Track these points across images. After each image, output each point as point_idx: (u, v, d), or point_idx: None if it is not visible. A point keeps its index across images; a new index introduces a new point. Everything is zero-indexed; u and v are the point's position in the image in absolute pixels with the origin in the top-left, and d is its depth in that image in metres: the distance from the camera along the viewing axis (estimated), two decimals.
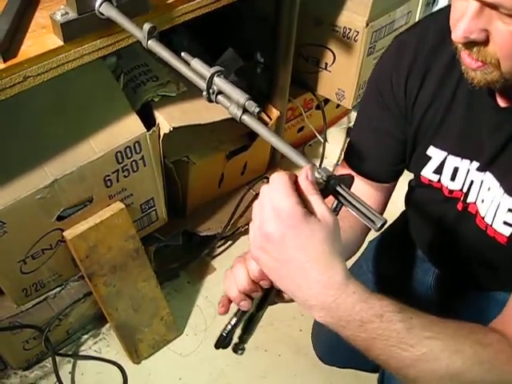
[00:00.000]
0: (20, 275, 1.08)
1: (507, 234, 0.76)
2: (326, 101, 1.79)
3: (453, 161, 0.80)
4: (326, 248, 0.55)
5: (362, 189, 0.90)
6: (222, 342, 0.69)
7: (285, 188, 0.55)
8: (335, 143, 1.94)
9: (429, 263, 1.04)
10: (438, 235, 0.93)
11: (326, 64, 1.60)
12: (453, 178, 0.81)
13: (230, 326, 0.68)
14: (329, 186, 0.57)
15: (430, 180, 0.84)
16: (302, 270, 0.55)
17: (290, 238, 0.54)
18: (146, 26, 0.72)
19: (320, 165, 1.80)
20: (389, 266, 1.10)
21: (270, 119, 1.53)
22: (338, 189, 0.57)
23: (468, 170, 0.79)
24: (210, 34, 1.59)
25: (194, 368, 1.34)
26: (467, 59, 0.60)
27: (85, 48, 0.85)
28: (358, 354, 1.12)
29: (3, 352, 1.24)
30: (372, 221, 0.56)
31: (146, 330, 1.31)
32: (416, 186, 0.92)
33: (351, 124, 2.02)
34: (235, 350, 0.68)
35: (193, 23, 1.01)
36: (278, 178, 0.56)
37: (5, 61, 0.77)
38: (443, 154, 0.80)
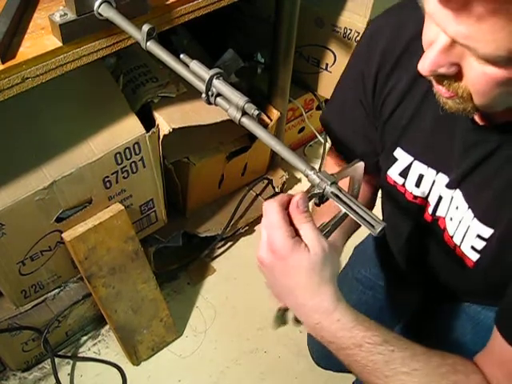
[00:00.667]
0: (19, 277, 1.08)
1: (474, 259, 0.71)
2: (327, 101, 1.78)
3: (419, 167, 0.75)
4: (314, 276, 0.58)
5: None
6: (280, 321, 0.79)
7: (276, 220, 0.57)
8: None
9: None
10: (406, 242, 0.89)
11: (327, 64, 1.60)
12: (417, 185, 0.76)
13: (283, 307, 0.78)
14: (325, 193, 0.57)
15: (394, 181, 0.80)
16: (290, 294, 0.61)
17: (279, 268, 0.59)
18: (145, 28, 0.72)
19: (320, 165, 1.79)
20: (372, 273, 1.09)
21: (271, 120, 1.53)
22: (337, 193, 0.56)
23: (434, 181, 0.74)
24: (211, 35, 1.59)
25: (194, 369, 1.34)
26: (438, 87, 0.55)
27: (84, 49, 0.84)
28: None
29: (2, 353, 1.24)
30: (371, 225, 0.55)
31: (146, 332, 1.30)
32: (383, 184, 0.86)
33: None
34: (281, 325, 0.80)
35: (193, 23, 1.01)
36: (270, 209, 0.58)
37: (3, 62, 0.77)
38: (410, 158, 0.75)
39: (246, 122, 0.63)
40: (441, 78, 0.53)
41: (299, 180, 1.79)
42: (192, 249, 1.54)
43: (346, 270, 1.14)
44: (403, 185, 0.79)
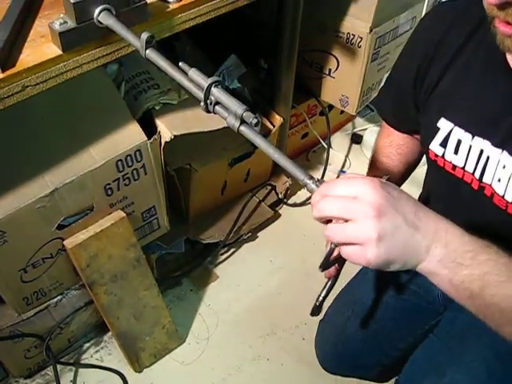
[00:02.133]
0: (21, 284, 1.08)
1: None
2: (330, 107, 1.78)
3: (458, 133, 0.80)
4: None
5: (399, 139, 0.99)
6: (317, 311, 0.84)
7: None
8: (339, 149, 1.93)
9: None
10: (452, 217, 0.92)
11: (330, 70, 1.59)
12: (456, 152, 0.81)
13: (321, 298, 0.83)
14: None
15: (435, 154, 0.84)
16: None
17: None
18: (144, 36, 0.72)
19: (324, 171, 1.78)
20: (394, 273, 1.09)
21: (273, 126, 1.52)
22: None
23: (470, 146, 0.79)
24: (214, 40, 1.59)
25: (196, 377, 1.33)
26: (503, 27, 0.61)
27: (84, 57, 0.84)
28: (362, 362, 1.11)
29: (4, 360, 1.23)
30: None
31: (148, 339, 1.30)
32: (427, 164, 0.93)
33: (355, 130, 2.01)
34: (317, 313, 0.85)
35: (196, 29, 1.01)
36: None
37: (3, 70, 0.76)
38: (451, 125, 0.81)
39: (245, 130, 0.63)
40: (507, 6, 0.58)
41: (303, 186, 1.78)
42: (195, 255, 1.53)
43: (366, 270, 1.14)
44: (443, 156, 0.83)
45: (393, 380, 1.22)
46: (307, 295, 1.50)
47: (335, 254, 0.77)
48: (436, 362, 0.95)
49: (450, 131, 0.81)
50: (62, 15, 0.80)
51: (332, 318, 1.16)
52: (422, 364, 0.99)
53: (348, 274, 1.10)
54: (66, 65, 0.83)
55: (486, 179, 0.79)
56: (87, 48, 0.84)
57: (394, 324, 1.07)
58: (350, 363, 1.14)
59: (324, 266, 0.73)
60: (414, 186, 1.12)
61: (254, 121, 0.61)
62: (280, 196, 1.68)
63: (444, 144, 0.82)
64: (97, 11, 0.79)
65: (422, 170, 1.04)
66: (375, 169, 0.98)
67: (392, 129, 1.02)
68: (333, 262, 0.79)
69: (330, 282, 0.85)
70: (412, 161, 1.02)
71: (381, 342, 1.08)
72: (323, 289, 0.83)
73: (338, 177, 1.82)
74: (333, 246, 0.63)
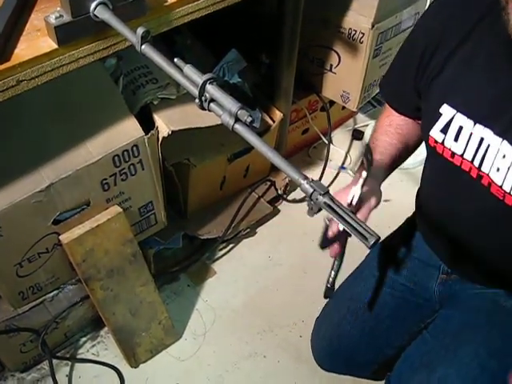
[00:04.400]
0: (16, 278, 1.07)
1: None
2: (332, 102, 1.77)
3: (460, 119, 0.80)
4: None
5: (399, 120, 1.00)
6: (330, 293, 0.85)
7: None
8: (340, 145, 1.92)
9: (433, 268, 1.03)
10: (447, 211, 0.92)
11: (331, 66, 1.58)
12: (456, 139, 0.81)
13: (331, 279, 0.85)
14: (317, 202, 0.55)
15: (435, 140, 0.84)
16: None
17: None
18: (140, 31, 0.71)
19: (324, 167, 1.77)
20: (391, 271, 1.08)
21: (274, 121, 1.51)
22: (330, 203, 0.55)
23: (471, 134, 0.78)
24: (214, 34, 1.57)
25: (192, 373, 1.33)
26: None
27: (80, 51, 0.83)
28: (357, 359, 1.11)
29: (0, 354, 1.23)
30: (365, 237, 0.54)
31: (144, 334, 1.29)
32: (426, 152, 0.93)
33: (356, 126, 1.99)
34: (330, 295, 0.86)
35: (197, 23, 1.00)
36: None
37: None
38: (453, 111, 0.81)
39: (239, 128, 0.62)
40: None
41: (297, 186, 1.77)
42: (193, 251, 1.53)
43: (362, 268, 1.15)
44: (442, 142, 0.83)
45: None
46: (305, 292, 1.51)
47: (333, 229, 0.77)
48: (428, 358, 0.95)
49: (452, 117, 0.81)
50: (58, 9, 0.79)
51: (328, 315, 1.16)
52: (414, 360, 0.98)
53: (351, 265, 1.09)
54: (61, 59, 0.82)
55: (485, 168, 0.78)
56: (83, 42, 0.83)
57: (390, 322, 1.07)
58: (345, 361, 1.14)
59: (323, 243, 0.73)
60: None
61: (249, 119, 0.60)
62: (279, 192, 1.67)
63: (445, 130, 0.82)
64: (93, 5, 0.78)
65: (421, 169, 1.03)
66: (373, 148, 0.98)
67: (393, 110, 1.02)
68: (332, 239, 0.79)
69: (336, 262, 0.85)
70: (411, 143, 1.01)
71: (376, 340, 1.08)
72: (331, 270, 0.84)
73: (338, 173, 1.81)
74: (327, 221, 0.63)
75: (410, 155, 1.04)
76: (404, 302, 1.07)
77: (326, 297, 0.86)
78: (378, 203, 0.88)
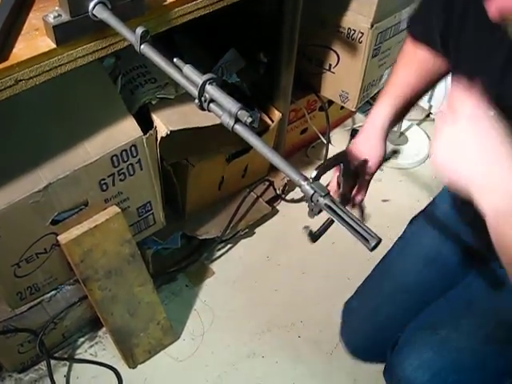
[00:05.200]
0: (14, 279, 1.07)
1: None
2: (330, 102, 1.77)
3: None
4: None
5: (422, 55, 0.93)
6: (315, 237, 0.85)
7: None
8: (339, 145, 1.91)
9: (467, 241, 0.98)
10: None
11: (330, 65, 1.58)
12: None
13: (322, 228, 0.86)
14: (318, 204, 0.55)
15: None
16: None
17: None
18: (139, 30, 0.70)
19: None
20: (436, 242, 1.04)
21: (272, 121, 1.51)
22: (331, 204, 0.55)
23: None
24: (213, 34, 1.57)
25: (191, 373, 1.33)
26: None
27: (78, 51, 0.83)
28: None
29: None
30: (365, 239, 0.54)
31: (142, 335, 1.29)
32: None
33: (355, 126, 1.99)
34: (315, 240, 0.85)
35: (197, 22, 0.99)
36: None
37: None
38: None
39: (239, 129, 0.62)
40: None
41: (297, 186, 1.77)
42: (191, 251, 1.52)
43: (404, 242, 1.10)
44: None
45: None
46: (304, 293, 1.51)
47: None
48: (434, 320, 0.94)
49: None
50: (56, 8, 0.79)
51: (361, 304, 1.13)
52: (423, 320, 0.97)
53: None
54: (59, 59, 0.81)
55: None
56: (82, 42, 0.82)
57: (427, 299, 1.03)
58: (383, 344, 1.08)
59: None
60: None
61: (249, 119, 0.60)
62: (278, 192, 1.66)
63: None
64: (92, 4, 0.78)
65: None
66: (392, 80, 0.93)
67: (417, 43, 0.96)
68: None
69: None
70: (433, 79, 0.96)
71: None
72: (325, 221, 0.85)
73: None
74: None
75: (429, 90, 0.99)
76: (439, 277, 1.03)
77: (311, 237, 0.86)
78: (380, 163, 0.87)
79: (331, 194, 0.58)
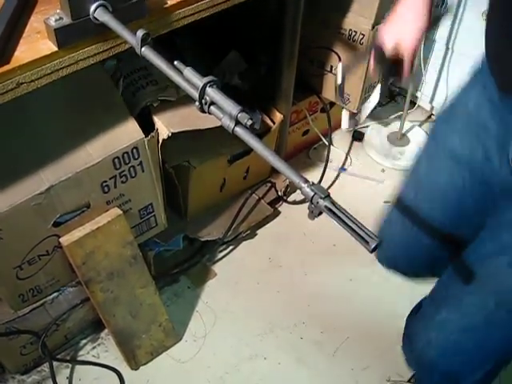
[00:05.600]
0: (16, 281, 1.07)
1: None
2: (332, 104, 1.77)
3: None
4: None
5: None
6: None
7: None
8: (340, 146, 1.92)
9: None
10: None
11: (332, 67, 1.58)
12: None
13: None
14: (318, 206, 0.55)
15: None
16: None
17: None
18: (140, 33, 0.71)
19: (325, 168, 1.77)
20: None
21: (274, 123, 1.51)
22: (331, 207, 0.55)
23: None
24: (215, 36, 1.57)
25: (192, 375, 1.33)
26: None
27: (80, 54, 0.83)
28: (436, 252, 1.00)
29: (0, 357, 1.23)
30: (366, 241, 0.54)
31: (144, 336, 1.29)
32: None
33: (357, 127, 1.99)
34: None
35: (198, 24, 0.99)
36: None
37: None
38: None
39: (240, 131, 0.62)
40: None
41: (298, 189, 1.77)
42: (193, 252, 1.53)
43: (433, 142, 0.98)
44: None
45: None
46: (306, 294, 1.51)
47: None
48: (440, 295, 0.95)
49: None
50: (57, 11, 0.79)
51: (398, 216, 1.05)
52: (438, 293, 0.97)
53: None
54: (61, 61, 0.82)
55: None
56: (83, 44, 0.83)
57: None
58: (422, 250, 1.02)
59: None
60: None
61: (249, 122, 0.60)
62: (280, 193, 1.67)
63: None
64: (93, 7, 0.78)
65: None
66: None
67: None
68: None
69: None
70: None
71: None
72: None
73: (338, 174, 1.81)
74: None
75: None
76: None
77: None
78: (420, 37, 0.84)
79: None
